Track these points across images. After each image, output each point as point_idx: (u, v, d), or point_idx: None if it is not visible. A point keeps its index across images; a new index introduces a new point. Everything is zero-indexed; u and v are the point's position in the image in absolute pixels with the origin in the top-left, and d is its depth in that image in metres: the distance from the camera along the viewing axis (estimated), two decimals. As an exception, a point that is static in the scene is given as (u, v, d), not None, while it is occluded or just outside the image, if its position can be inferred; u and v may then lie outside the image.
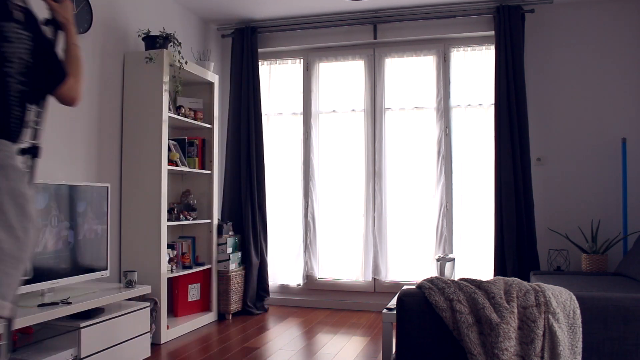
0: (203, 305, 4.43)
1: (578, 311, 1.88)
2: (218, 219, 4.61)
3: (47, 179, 3.16)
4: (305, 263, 5.01)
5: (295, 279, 5.05)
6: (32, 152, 1.69)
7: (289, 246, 5.10)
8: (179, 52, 3.96)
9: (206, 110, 4.53)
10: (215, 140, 4.54)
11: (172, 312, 4.21)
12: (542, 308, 1.85)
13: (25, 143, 1.66)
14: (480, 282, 1.99)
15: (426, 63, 4.83)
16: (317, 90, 5.09)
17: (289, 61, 5.18)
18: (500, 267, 4.30)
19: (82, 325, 2.80)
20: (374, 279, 4.87)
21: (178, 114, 4.14)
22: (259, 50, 5.02)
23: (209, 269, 4.44)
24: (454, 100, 4.74)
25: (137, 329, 3.24)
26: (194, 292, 4.35)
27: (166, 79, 3.83)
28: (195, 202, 4.44)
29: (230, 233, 4.60)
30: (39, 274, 2.83)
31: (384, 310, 2.79)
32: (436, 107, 4.75)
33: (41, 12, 1.80)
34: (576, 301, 1.91)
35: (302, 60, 5.14)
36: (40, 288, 2.86)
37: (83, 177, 3.51)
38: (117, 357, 3.06)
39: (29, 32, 1.63)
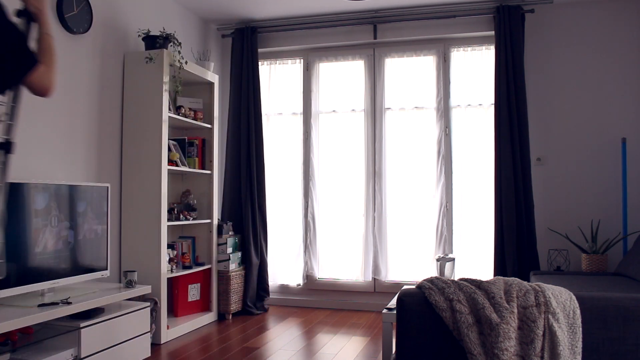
0: (203, 305, 4.43)
1: (578, 311, 1.88)
2: (218, 219, 4.61)
3: (47, 179, 3.17)
4: (305, 263, 5.01)
5: (295, 279, 5.05)
6: (5, 147, 1.66)
7: (289, 246, 5.10)
8: (179, 52, 3.97)
9: (206, 110, 4.53)
10: (215, 140, 4.54)
11: (172, 312, 4.21)
12: (542, 308, 1.85)
13: None
14: (480, 282, 1.99)
15: (426, 63, 4.83)
16: (317, 90, 5.09)
17: (289, 61, 5.18)
18: (500, 267, 4.30)
19: (82, 325, 2.80)
20: (374, 279, 4.87)
21: (178, 114, 4.14)
22: (259, 50, 5.02)
23: (209, 269, 4.44)
24: (454, 100, 4.74)
25: (137, 329, 3.24)
26: (194, 292, 4.35)
27: (166, 79, 3.83)
28: (195, 202, 4.44)
29: (230, 233, 4.60)
30: (39, 274, 2.83)
31: (384, 310, 2.79)
32: (436, 107, 4.75)
33: (14, 2, 1.79)
34: (576, 301, 1.91)
35: (302, 60, 5.14)
36: (40, 288, 2.86)
37: (83, 177, 3.51)
38: (117, 357, 3.06)
39: None
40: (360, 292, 4.93)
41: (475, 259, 4.62)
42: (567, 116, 4.46)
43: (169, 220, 3.93)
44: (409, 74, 4.87)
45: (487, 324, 1.81)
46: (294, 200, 5.11)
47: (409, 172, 4.83)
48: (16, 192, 2.72)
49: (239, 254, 4.69)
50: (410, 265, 4.80)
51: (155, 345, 3.66)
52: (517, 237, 4.26)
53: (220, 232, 4.51)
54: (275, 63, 5.19)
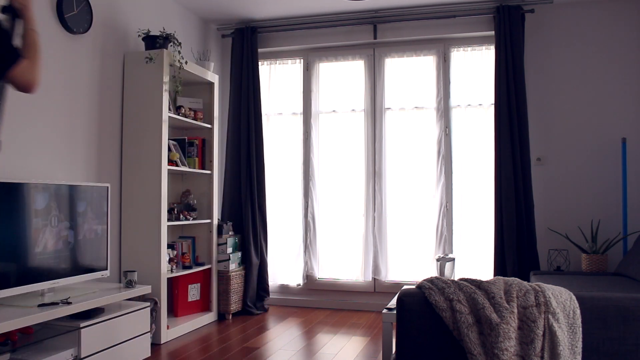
0: (203, 305, 4.43)
1: (578, 311, 1.88)
2: (218, 219, 4.61)
3: (47, 179, 3.17)
4: (305, 263, 5.01)
5: (295, 279, 5.05)
6: None
7: (289, 246, 5.10)
8: (179, 52, 3.97)
9: (206, 110, 4.53)
10: (215, 140, 4.54)
11: (172, 312, 4.21)
12: (542, 308, 1.85)
13: None
14: (480, 282, 1.99)
15: (426, 63, 4.83)
16: (317, 90, 5.09)
17: (289, 61, 5.18)
18: (500, 267, 4.30)
19: (82, 325, 2.80)
20: (374, 279, 4.87)
21: (178, 114, 4.14)
22: (259, 50, 5.02)
23: (209, 269, 4.44)
24: (454, 100, 4.74)
25: (137, 329, 3.24)
26: (194, 292, 4.35)
27: (166, 79, 3.83)
28: (195, 202, 4.44)
29: (230, 233, 4.60)
30: (39, 274, 2.84)
31: (384, 310, 2.79)
32: (436, 107, 4.75)
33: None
34: (576, 301, 1.91)
35: (302, 60, 5.14)
36: (40, 288, 2.86)
37: (83, 177, 3.51)
38: (117, 357, 3.06)
39: None
40: (360, 292, 4.93)
41: (475, 259, 4.62)
42: (567, 116, 4.46)
43: (169, 220, 3.93)
44: (409, 74, 4.87)
45: (487, 324, 1.81)
46: (294, 200, 5.11)
47: (409, 172, 4.83)
48: (16, 192, 2.72)
49: (239, 254, 4.69)
50: (410, 265, 4.80)
51: (155, 345, 3.66)
52: (517, 237, 4.26)
53: (220, 232, 4.51)
54: (275, 63, 5.19)
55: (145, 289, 3.43)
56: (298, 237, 5.07)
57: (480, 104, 4.67)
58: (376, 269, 4.82)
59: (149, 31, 3.89)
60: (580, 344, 1.84)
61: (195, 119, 4.35)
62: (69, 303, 2.79)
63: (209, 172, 4.48)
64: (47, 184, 2.91)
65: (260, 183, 4.88)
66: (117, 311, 3.10)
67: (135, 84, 3.86)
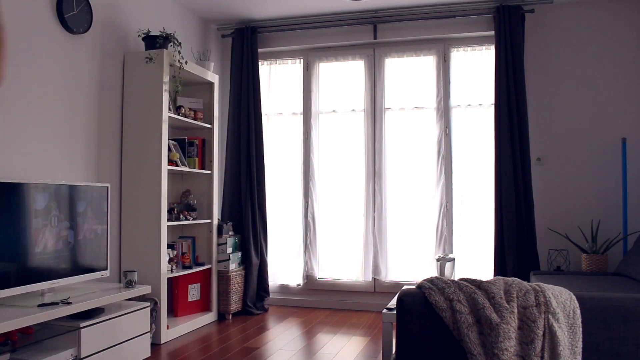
0: (203, 305, 4.43)
1: (578, 311, 1.88)
2: (218, 219, 4.61)
3: (47, 179, 3.17)
4: (305, 263, 5.01)
5: (295, 279, 5.05)
6: None
7: (289, 246, 5.10)
8: (179, 52, 3.97)
9: (206, 110, 4.53)
10: (215, 140, 4.54)
11: (172, 312, 4.21)
12: (542, 308, 1.85)
13: None
14: (480, 282, 1.99)
15: (426, 63, 4.83)
16: (317, 90, 5.09)
17: (289, 61, 5.18)
18: (500, 267, 4.30)
19: (82, 325, 2.80)
20: (374, 279, 4.87)
21: (178, 114, 4.14)
22: (259, 50, 5.02)
23: (209, 269, 4.44)
24: (454, 100, 4.74)
25: (137, 329, 3.24)
26: (194, 292, 4.35)
27: (166, 79, 3.83)
28: (195, 202, 4.44)
29: (230, 233, 4.60)
30: (39, 274, 2.84)
31: (384, 310, 2.79)
32: (436, 107, 4.75)
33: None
34: (576, 301, 1.91)
35: (302, 60, 5.14)
36: (40, 288, 2.86)
37: (83, 177, 3.51)
38: (117, 357, 3.06)
39: None
40: (360, 292, 4.93)
41: (475, 259, 4.62)
42: (567, 116, 4.46)
43: (169, 220, 3.93)
44: (409, 74, 4.87)
45: (487, 324, 1.81)
46: (294, 200, 5.11)
47: (409, 172, 4.83)
48: (16, 192, 2.72)
49: (239, 254, 4.69)
50: (410, 265, 4.80)
51: (155, 345, 3.66)
52: (517, 237, 4.26)
53: (220, 232, 4.51)
54: (275, 63, 5.19)
55: (145, 289, 3.43)
56: (298, 237, 5.07)
57: (480, 104, 4.67)
58: (376, 269, 4.82)
59: (149, 31, 3.89)
60: (580, 344, 1.84)
61: (195, 119, 4.35)
62: (69, 303, 2.79)
63: (209, 172, 4.48)
64: (47, 184, 2.91)
65: (260, 183, 4.88)
66: (117, 311, 3.10)
67: (135, 84, 3.86)
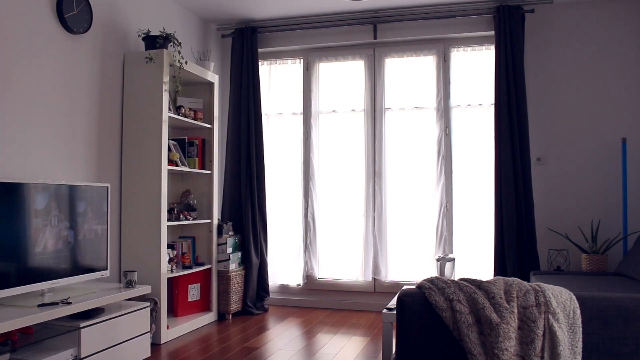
0: (203, 305, 4.43)
1: (578, 311, 1.88)
2: (218, 219, 4.61)
3: (47, 179, 3.17)
4: (305, 263, 5.01)
5: (295, 279, 5.05)
6: None
7: (289, 246, 5.10)
8: (179, 52, 3.97)
9: (206, 110, 4.53)
10: (215, 140, 4.54)
11: (172, 312, 4.21)
12: (542, 308, 1.85)
13: None
14: (480, 282, 1.99)
15: (426, 63, 4.83)
16: (317, 90, 5.09)
17: (289, 61, 5.18)
18: (500, 267, 4.30)
19: (82, 325, 2.80)
20: (374, 279, 4.87)
21: (178, 114, 4.14)
22: (259, 50, 5.03)
23: (209, 269, 4.44)
24: (454, 100, 4.74)
25: (137, 329, 3.24)
26: (194, 292, 4.35)
27: (166, 79, 3.83)
28: (195, 202, 4.44)
29: (230, 233, 4.60)
30: (39, 274, 2.84)
31: (384, 310, 2.79)
32: (436, 107, 4.75)
33: None
34: (576, 301, 1.91)
35: (302, 60, 5.14)
36: (40, 288, 2.86)
37: (83, 177, 3.51)
38: (117, 357, 3.06)
39: None
40: (360, 292, 4.93)
41: (475, 259, 4.62)
42: (567, 116, 4.46)
43: (169, 220, 3.93)
44: (409, 74, 4.87)
45: (487, 324, 1.81)
46: (294, 200, 5.11)
47: (409, 172, 4.83)
48: (16, 192, 2.72)
49: (239, 254, 4.69)
50: (410, 265, 4.80)
51: (155, 345, 3.66)
52: (517, 237, 4.26)
53: (220, 232, 4.51)
54: (275, 63, 5.19)
55: (145, 289, 3.43)
56: (298, 237, 5.07)
57: (480, 104, 4.67)
58: (376, 269, 4.82)
59: (149, 31, 3.89)
60: (580, 344, 1.84)
61: (195, 119, 4.35)
62: (69, 303, 2.79)
63: (209, 172, 4.48)
64: (47, 184, 2.91)
65: (260, 183, 4.88)
66: (117, 311, 3.10)
67: (135, 84, 3.86)
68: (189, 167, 4.28)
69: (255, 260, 4.77)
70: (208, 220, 4.44)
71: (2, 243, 2.63)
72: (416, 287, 2.04)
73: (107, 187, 3.40)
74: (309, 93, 5.09)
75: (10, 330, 2.45)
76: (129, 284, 3.38)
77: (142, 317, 3.29)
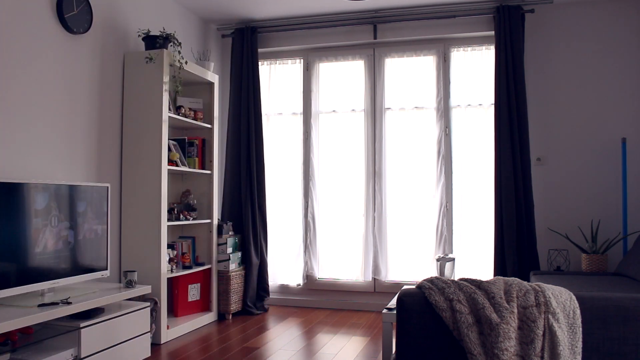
0: (203, 305, 4.43)
1: (578, 311, 1.88)
2: (218, 219, 4.61)
3: (47, 179, 3.17)
4: (305, 263, 5.01)
5: (295, 279, 5.05)
6: None
7: (289, 246, 5.10)
8: (179, 52, 3.97)
9: (206, 110, 4.53)
10: (215, 140, 4.54)
11: (172, 312, 4.21)
12: (542, 308, 1.85)
13: None
14: (480, 282, 1.99)
15: (426, 63, 4.83)
16: (317, 90, 5.09)
17: (289, 61, 5.18)
18: (500, 267, 4.30)
19: (82, 325, 2.80)
20: (374, 279, 4.87)
21: (178, 114, 4.14)
22: (259, 50, 5.03)
23: (209, 269, 4.44)
24: (454, 100, 4.74)
25: (137, 329, 3.24)
26: (194, 292, 4.35)
27: (166, 79, 3.83)
28: (195, 202, 4.44)
29: (230, 233, 4.60)
30: (39, 274, 2.84)
31: (384, 310, 2.79)
32: (436, 107, 4.75)
33: None
34: (576, 301, 1.91)
35: (302, 60, 5.14)
36: (40, 288, 2.86)
37: (83, 177, 3.51)
38: (117, 357, 3.06)
39: None
40: (360, 292, 4.93)
41: (475, 259, 4.62)
42: (567, 116, 4.46)
43: (169, 220, 3.93)
44: (409, 74, 4.87)
45: (487, 324, 1.81)
46: (294, 200, 5.11)
47: (409, 172, 4.83)
48: (16, 192, 2.72)
49: (239, 254, 4.69)
50: (410, 265, 4.80)
51: (155, 345, 3.66)
52: (517, 237, 4.26)
53: (220, 232, 4.51)
54: (275, 63, 5.19)
55: (145, 289, 3.43)
56: (298, 237, 5.07)
57: (480, 104, 4.67)
58: (376, 269, 4.82)
59: (149, 31, 3.89)
60: (580, 344, 1.84)
61: (195, 119, 4.35)
62: (69, 303, 2.79)
63: (209, 172, 4.48)
64: (47, 184, 2.91)
65: (260, 183, 4.88)
66: (117, 311, 3.10)
67: (135, 84, 3.86)
68: (189, 167, 4.28)
69: (255, 260, 4.77)
70: (208, 220, 4.44)
71: (2, 243, 2.63)
72: (416, 287, 2.04)
73: (107, 187, 3.40)
74: (309, 93, 5.09)
75: (10, 330, 2.45)
76: (129, 284, 3.38)
77: (142, 317, 3.29)
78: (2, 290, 2.61)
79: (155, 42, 3.85)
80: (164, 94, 3.80)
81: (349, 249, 4.97)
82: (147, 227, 3.76)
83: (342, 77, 5.06)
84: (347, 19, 4.81)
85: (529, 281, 3.82)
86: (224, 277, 4.49)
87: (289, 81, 5.17)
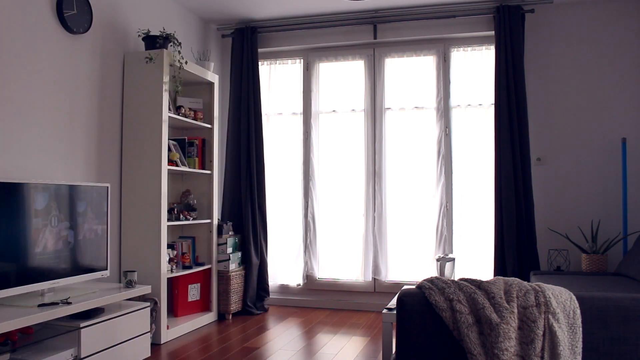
0: (203, 305, 4.43)
1: (578, 311, 1.88)
2: (218, 219, 4.61)
3: (47, 179, 3.17)
4: (305, 263, 5.01)
5: (295, 279, 5.05)
6: None
7: (289, 246, 5.10)
8: (179, 52, 3.97)
9: (206, 110, 4.53)
10: (215, 140, 4.54)
11: (172, 312, 4.21)
12: (542, 308, 1.85)
13: None
14: (480, 282, 1.99)
15: (426, 63, 4.83)
16: (317, 90, 5.09)
17: (289, 61, 5.18)
18: (500, 267, 4.30)
19: (82, 325, 2.80)
20: (374, 279, 4.87)
21: (178, 114, 4.14)
22: (259, 50, 5.02)
23: (209, 269, 4.44)
24: (454, 100, 4.74)
25: (137, 329, 3.24)
26: (194, 292, 4.35)
27: (166, 79, 3.83)
28: (195, 202, 4.44)
29: (230, 233, 4.60)
30: (39, 274, 2.84)
31: (384, 310, 2.79)
32: (436, 107, 4.75)
33: None
34: (576, 301, 1.91)
35: (302, 60, 5.14)
36: (40, 288, 2.86)
37: (83, 177, 3.51)
38: (117, 357, 3.06)
39: None
40: (360, 292, 4.93)
41: (475, 259, 4.62)
42: (567, 116, 4.46)
43: (169, 220, 3.93)
44: (409, 74, 4.87)
45: (487, 324, 1.81)
46: (294, 200, 5.11)
47: (409, 172, 4.83)
48: (16, 192, 2.72)
49: (239, 254, 4.69)
50: (410, 265, 4.80)
51: (155, 345, 3.66)
52: (517, 237, 4.26)
53: (220, 232, 4.51)
54: (275, 63, 5.19)
55: (145, 289, 3.43)
56: (298, 237, 5.07)
57: (480, 104, 4.67)
58: (376, 269, 4.82)
59: (149, 31, 3.89)
60: (580, 344, 1.84)
61: (195, 119, 4.35)
62: (69, 303, 2.79)
63: (209, 172, 4.48)
64: (47, 184, 2.91)
65: (260, 183, 4.88)
66: (117, 311, 3.10)
67: (135, 84, 3.86)
68: (189, 167, 4.28)
69: (255, 260, 4.77)
70: (208, 220, 4.44)
71: (2, 243, 2.63)
72: (416, 287, 2.04)
73: (107, 187, 3.39)
74: (309, 93, 5.09)
75: (10, 330, 2.45)
76: (129, 284, 3.38)
77: (142, 317, 3.29)
78: (2, 290, 2.61)
79: (155, 42, 3.85)
80: (164, 94, 3.80)
81: (349, 249, 4.97)
82: (147, 227, 3.76)
83: (342, 77, 5.06)
84: (347, 19, 4.81)
85: (529, 281, 3.82)
86: (224, 277, 4.49)
87: (289, 81, 5.17)
